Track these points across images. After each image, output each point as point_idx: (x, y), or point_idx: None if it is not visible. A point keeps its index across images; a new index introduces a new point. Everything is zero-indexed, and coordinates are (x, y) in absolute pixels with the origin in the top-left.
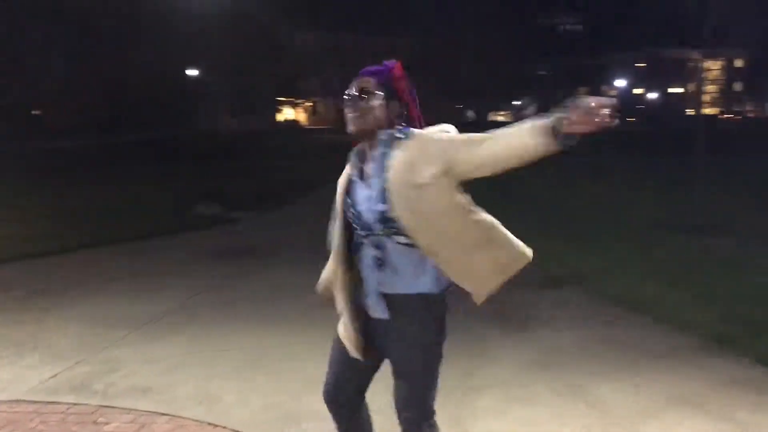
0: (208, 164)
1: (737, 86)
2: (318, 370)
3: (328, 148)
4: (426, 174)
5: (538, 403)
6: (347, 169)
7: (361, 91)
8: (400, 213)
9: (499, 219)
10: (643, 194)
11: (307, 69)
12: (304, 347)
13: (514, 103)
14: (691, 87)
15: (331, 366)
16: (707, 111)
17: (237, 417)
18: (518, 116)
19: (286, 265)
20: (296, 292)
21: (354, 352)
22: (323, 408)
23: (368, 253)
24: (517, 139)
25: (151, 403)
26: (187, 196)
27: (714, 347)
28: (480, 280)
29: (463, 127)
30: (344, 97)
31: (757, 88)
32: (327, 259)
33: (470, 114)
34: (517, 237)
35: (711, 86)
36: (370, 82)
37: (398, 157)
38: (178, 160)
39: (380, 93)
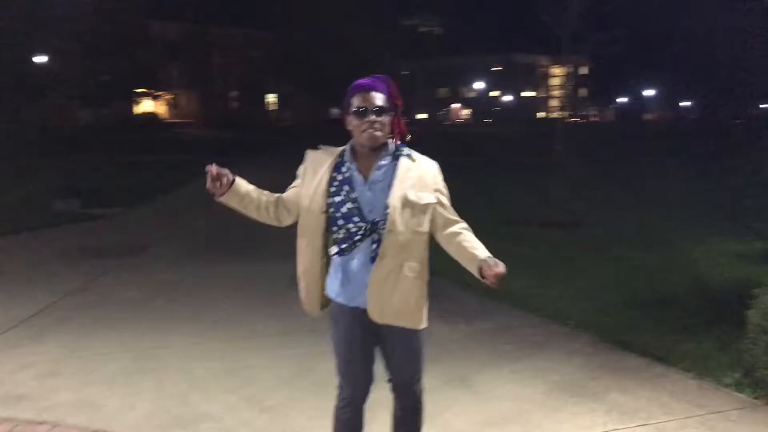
0: (62, 158)
1: (582, 92)
2: (205, 371)
3: (191, 143)
4: (425, 198)
5: (429, 394)
6: (323, 170)
7: (380, 107)
8: (397, 219)
9: None
10: (504, 193)
11: (168, 59)
12: (187, 348)
13: None
14: (542, 91)
15: (347, 368)
16: (555, 115)
17: (123, 422)
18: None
19: (158, 262)
20: (172, 290)
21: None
22: (213, 409)
23: (365, 245)
24: (470, 249)
25: (28, 411)
26: (43, 192)
27: (584, 335)
28: None
29: (328, 125)
30: (359, 109)
31: (600, 94)
32: (200, 254)
33: (335, 111)
34: None
35: (559, 91)
36: (381, 97)
37: (403, 174)
38: (26, 154)
39: (388, 108)
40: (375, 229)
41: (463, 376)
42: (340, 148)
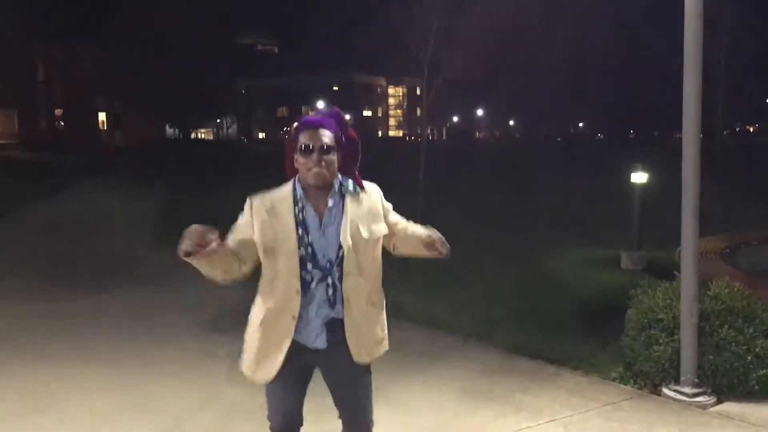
0: None
1: (418, 111)
2: (109, 404)
3: (7, 166)
4: (377, 231)
5: None
6: (285, 210)
7: (327, 145)
8: (352, 259)
9: None
10: None
11: None
12: (82, 382)
13: (217, 120)
14: (380, 111)
15: (277, 407)
16: (393, 133)
17: None
18: (220, 133)
19: (18, 293)
20: (46, 321)
21: (267, 377)
22: None
23: (320, 291)
24: (414, 234)
25: None
26: None
27: (477, 344)
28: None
29: (164, 145)
30: (306, 147)
31: (436, 114)
32: (62, 282)
33: (171, 131)
34: None
35: (396, 110)
36: (329, 135)
37: (353, 211)
38: None
39: (336, 146)
40: (329, 274)
41: (376, 386)
42: (286, 187)
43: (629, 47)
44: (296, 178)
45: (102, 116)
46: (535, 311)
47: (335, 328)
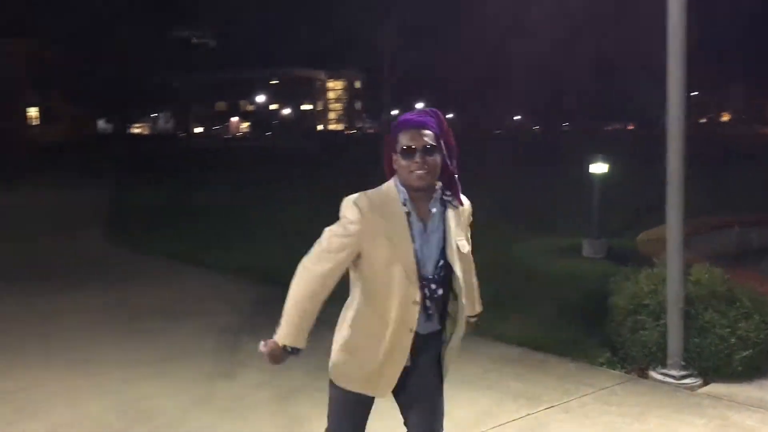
0: None
1: (357, 105)
2: (100, 407)
3: None
4: (467, 246)
5: None
6: (397, 210)
7: (430, 146)
8: (458, 272)
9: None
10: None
11: None
12: (60, 386)
13: (153, 115)
14: (320, 104)
15: (346, 421)
16: (333, 127)
17: None
18: (156, 128)
19: None
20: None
21: (385, 392)
22: None
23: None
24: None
25: None
26: None
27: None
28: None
29: (99, 141)
30: (408, 148)
31: (374, 107)
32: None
33: (104, 125)
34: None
35: (336, 104)
36: (431, 135)
37: (453, 221)
38: None
39: (438, 147)
40: (428, 285)
41: None
42: (388, 188)
43: (568, 43)
44: (396, 179)
45: (32, 111)
46: (512, 299)
47: (429, 341)
